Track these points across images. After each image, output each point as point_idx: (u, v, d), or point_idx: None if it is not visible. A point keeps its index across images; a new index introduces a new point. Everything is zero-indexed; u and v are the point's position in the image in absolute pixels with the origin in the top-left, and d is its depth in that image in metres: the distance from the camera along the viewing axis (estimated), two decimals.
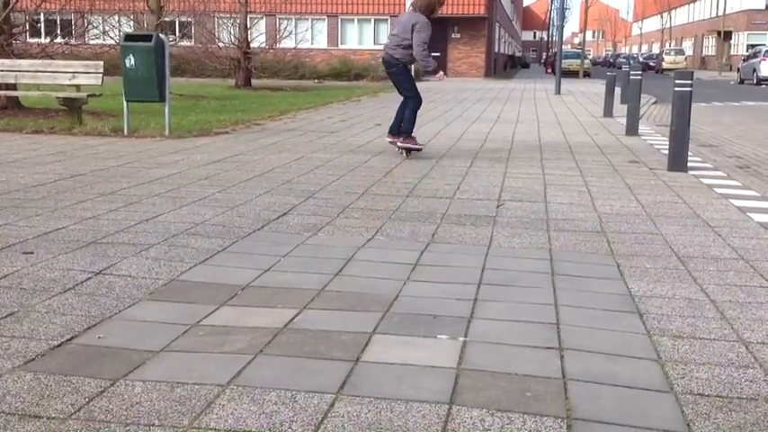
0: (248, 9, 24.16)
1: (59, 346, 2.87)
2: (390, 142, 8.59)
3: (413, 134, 8.42)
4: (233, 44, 24.10)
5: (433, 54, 8.46)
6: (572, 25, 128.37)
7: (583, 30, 53.23)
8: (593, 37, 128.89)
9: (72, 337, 2.95)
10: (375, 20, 35.24)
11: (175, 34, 25.60)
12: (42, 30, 19.32)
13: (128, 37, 9.84)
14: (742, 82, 36.51)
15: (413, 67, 8.57)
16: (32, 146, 8.69)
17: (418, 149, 8.42)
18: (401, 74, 8.34)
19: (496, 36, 45.42)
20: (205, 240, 4.49)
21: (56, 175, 6.66)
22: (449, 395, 2.51)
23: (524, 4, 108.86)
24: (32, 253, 4.13)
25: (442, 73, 8.95)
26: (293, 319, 3.20)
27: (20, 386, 2.52)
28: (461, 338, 3.01)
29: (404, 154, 8.45)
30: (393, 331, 3.08)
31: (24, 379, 2.57)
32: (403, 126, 8.37)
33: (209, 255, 4.18)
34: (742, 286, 3.79)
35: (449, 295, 3.55)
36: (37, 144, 8.86)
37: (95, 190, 6.02)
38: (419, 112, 8.54)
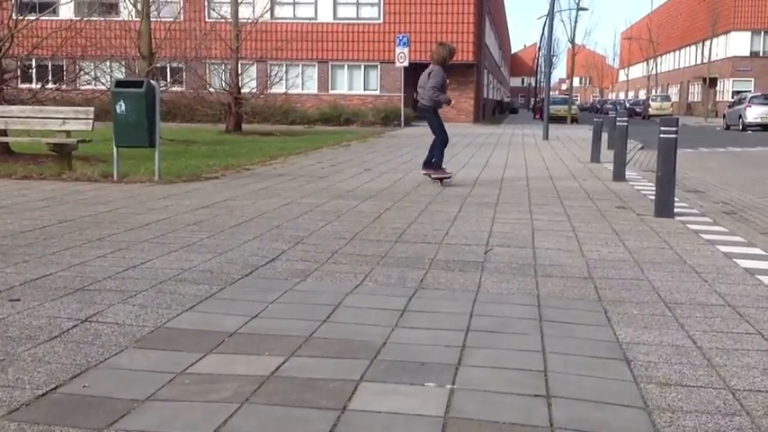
0: (239, 55, 24.41)
1: (44, 395, 2.85)
2: (425, 174, 10.45)
3: (443, 165, 10.40)
4: (224, 90, 24.29)
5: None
6: (559, 71, 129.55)
7: (570, 76, 54.02)
8: (581, 83, 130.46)
9: (57, 386, 2.93)
10: (365, 66, 35.61)
11: (167, 80, 25.77)
12: (34, 75, 19.42)
13: (119, 83, 9.92)
14: (728, 128, 36.93)
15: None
16: (22, 191, 8.69)
17: (448, 177, 10.36)
18: (430, 117, 10.37)
19: (485, 82, 45.90)
20: (193, 287, 4.48)
21: (44, 221, 6.66)
22: None
23: (512, 51, 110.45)
24: (19, 300, 4.12)
25: (451, 102, 10.43)
26: (280, 366, 3.19)
27: None
28: (449, 386, 3.00)
29: (438, 183, 10.22)
30: (380, 379, 3.07)
31: (8, 429, 2.55)
32: (434, 161, 10.29)
33: (197, 301, 4.17)
34: (729, 333, 3.80)
35: (437, 342, 3.55)
36: (26, 190, 8.87)
37: (84, 236, 6.02)
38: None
